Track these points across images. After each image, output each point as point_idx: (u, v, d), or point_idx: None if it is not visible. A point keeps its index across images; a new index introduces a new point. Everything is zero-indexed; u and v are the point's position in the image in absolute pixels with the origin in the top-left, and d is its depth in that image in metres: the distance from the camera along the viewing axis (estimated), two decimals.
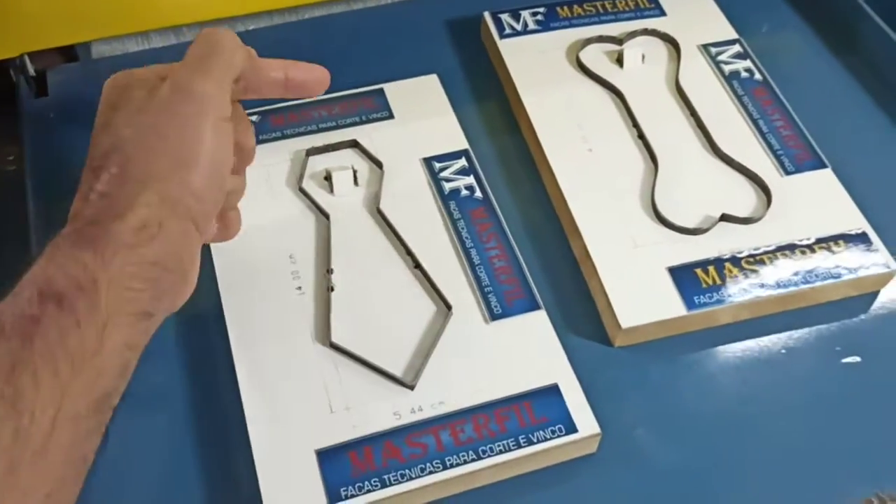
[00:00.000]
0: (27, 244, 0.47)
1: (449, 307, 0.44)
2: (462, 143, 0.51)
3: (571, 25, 0.57)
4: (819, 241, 0.47)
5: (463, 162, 0.50)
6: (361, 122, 0.52)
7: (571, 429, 0.40)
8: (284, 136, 0.51)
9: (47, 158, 0.51)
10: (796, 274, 0.46)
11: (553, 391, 0.41)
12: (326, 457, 0.39)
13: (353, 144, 0.50)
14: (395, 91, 0.53)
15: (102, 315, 0.31)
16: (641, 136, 0.52)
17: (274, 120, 0.51)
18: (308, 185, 0.49)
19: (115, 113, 0.35)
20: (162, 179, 0.34)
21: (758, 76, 0.55)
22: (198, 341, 0.44)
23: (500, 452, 0.39)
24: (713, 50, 0.56)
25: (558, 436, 0.40)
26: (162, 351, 0.43)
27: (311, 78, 0.40)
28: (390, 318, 0.44)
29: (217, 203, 0.37)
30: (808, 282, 0.46)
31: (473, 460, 0.39)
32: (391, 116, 0.52)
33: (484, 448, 0.39)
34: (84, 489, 0.32)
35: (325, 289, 0.44)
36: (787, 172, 0.50)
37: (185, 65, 0.36)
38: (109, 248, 0.32)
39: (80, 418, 0.30)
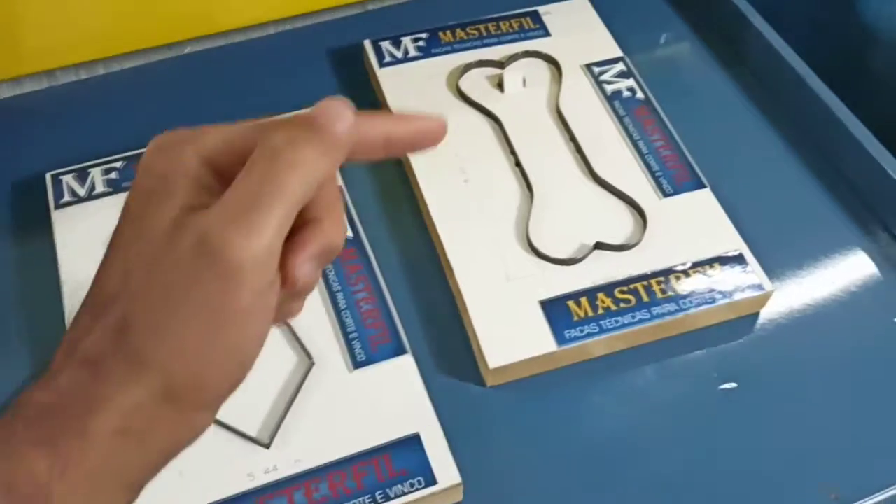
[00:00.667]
0: None
1: (310, 357, 0.42)
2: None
3: (454, 50, 0.56)
4: (695, 265, 0.46)
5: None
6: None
7: (430, 480, 0.39)
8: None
9: None
10: (671, 301, 0.45)
11: (413, 441, 0.40)
12: None
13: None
14: None
15: None
16: (518, 163, 0.51)
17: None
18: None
19: (133, 244, 0.26)
20: (162, 368, 0.25)
21: (640, 95, 0.54)
22: None
23: None
24: (596, 70, 0.55)
25: (417, 489, 0.39)
26: None
27: (426, 128, 0.28)
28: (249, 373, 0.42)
29: (237, 385, 0.27)
30: (683, 309, 0.45)
31: None
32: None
33: None
34: None
35: None
36: (666, 194, 0.49)
37: (226, 210, 0.24)
38: (74, 450, 0.24)
39: None
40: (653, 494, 0.41)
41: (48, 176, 0.49)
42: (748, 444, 0.43)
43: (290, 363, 0.43)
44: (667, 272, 0.46)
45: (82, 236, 0.47)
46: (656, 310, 0.45)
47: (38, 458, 0.24)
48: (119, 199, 0.48)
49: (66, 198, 0.48)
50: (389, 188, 0.52)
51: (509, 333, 0.44)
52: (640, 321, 0.44)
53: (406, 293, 0.47)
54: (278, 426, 0.40)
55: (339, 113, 0.26)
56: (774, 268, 0.48)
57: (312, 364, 0.42)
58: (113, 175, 0.49)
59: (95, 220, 0.47)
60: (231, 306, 0.24)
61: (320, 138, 0.25)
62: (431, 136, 0.28)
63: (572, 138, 0.52)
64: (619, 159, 0.51)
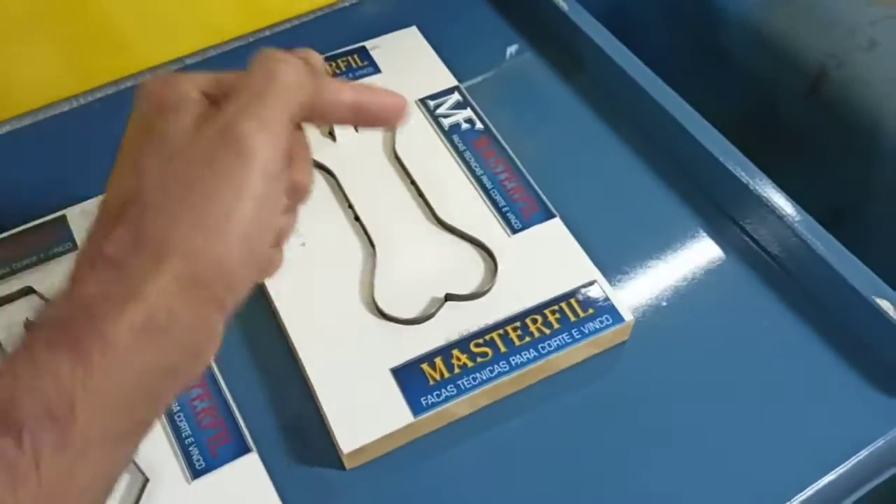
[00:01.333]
0: None
1: (143, 473, 0.38)
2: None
3: None
4: (551, 302, 0.44)
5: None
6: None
7: None
8: None
9: None
10: (530, 348, 0.43)
11: None
12: None
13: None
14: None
15: (76, 447, 0.25)
16: (357, 217, 0.47)
17: None
18: None
19: (146, 147, 0.28)
20: (184, 251, 0.26)
21: (479, 125, 0.52)
22: None
23: None
24: (431, 103, 0.53)
25: None
26: None
27: (388, 103, 0.31)
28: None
29: (251, 282, 0.29)
30: (543, 354, 0.43)
31: None
32: None
33: None
34: None
35: None
36: (515, 230, 0.47)
37: (238, 102, 0.28)
38: (96, 352, 0.25)
39: None
40: None
41: None
42: (627, 479, 0.41)
43: (121, 482, 0.38)
44: (522, 316, 0.44)
45: None
46: (515, 359, 0.42)
47: (62, 362, 0.25)
48: None
49: None
50: None
51: (361, 410, 0.41)
52: (500, 374, 0.42)
53: (248, 381, 0.43)
54: None
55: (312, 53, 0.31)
56: (634, 288, 0.47)
57: (147, 480, 0.38)
58: None
59: None
60: (247, 187, 0.27)
61: (304, 61, 0.30)
62: (394, 113, 0.32)
63: (413, 182, 0.49)
64: (463, 199, 0.48)
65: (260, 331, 0.45)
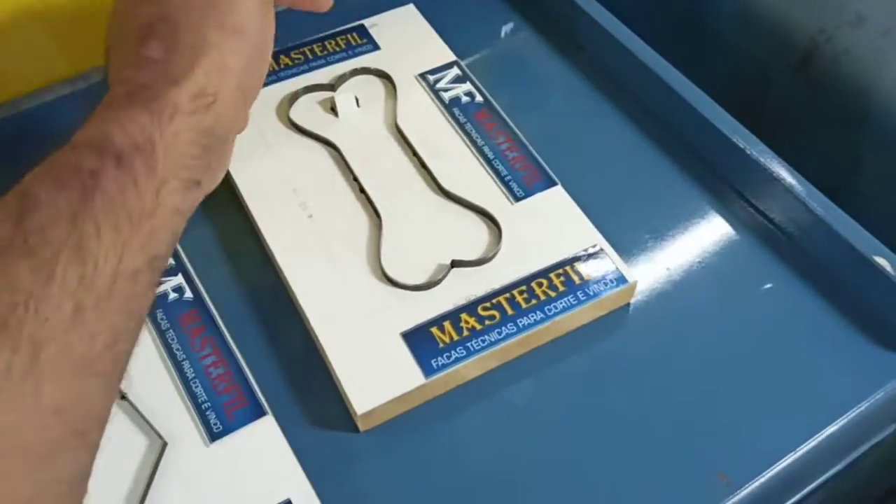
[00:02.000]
0: None
1: (161, 437, 0.39)
2: None
3: (280, 79, 0.53)
4: (556, 266, 0.45)
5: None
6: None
7: None
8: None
9: None
10: (537, 310, 0.44)
11: None
12: None
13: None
14: None
15: (158, 177, 0.31)
16: (363, 190, 0.48)
17: None
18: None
19: None
20: (216, 47, 0.34)
21: (479, 98, 0.52)
22: None
23: None
24: (430, 77, 0.53)
25: None
26: None
27: None
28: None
29: (262, 76, 0.38)
30: (549, 316, 0.43)
31: None
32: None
33: None
34: None
35: None
36: (517, 198, 0.48)
37: None
38: (167, 112, 0.32)
39: (138, 272, 0.30)
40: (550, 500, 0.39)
41: None
42: (634, 438, 0.42)
43: (141, 447, 0.39)
44: (528, 280, 0.45)
45: None
46: (523, 321, 0.43)
47: (141, 115, 0.31)
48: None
49: None
50: (230, 240, 0.48)
51: (374, 373, 0.41)
52: (508, 336, 0.43)
53: (261, 349, 0.44)
54: None
55: None
56: (637, 254, 0.48)
57: (165, 444, 0.39)
58: None
59: None
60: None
61: None
62: None
63: (415, 154, 0.50)
64: (465, 169, 0.49)
65: (270, 301, 0.46)
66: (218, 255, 0.48)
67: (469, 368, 0.42)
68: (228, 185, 0.50)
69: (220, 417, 0.40)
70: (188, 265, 0.45)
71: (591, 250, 0.46)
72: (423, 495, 0.40)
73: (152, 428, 0.39)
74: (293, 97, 0.52)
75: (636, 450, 0.41)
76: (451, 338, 0.42)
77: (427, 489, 0.40)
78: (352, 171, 0.49)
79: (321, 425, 0.42)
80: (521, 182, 0.49)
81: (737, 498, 0.40)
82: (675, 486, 0.40)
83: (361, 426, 0.41)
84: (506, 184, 0.48)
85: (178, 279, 0.44)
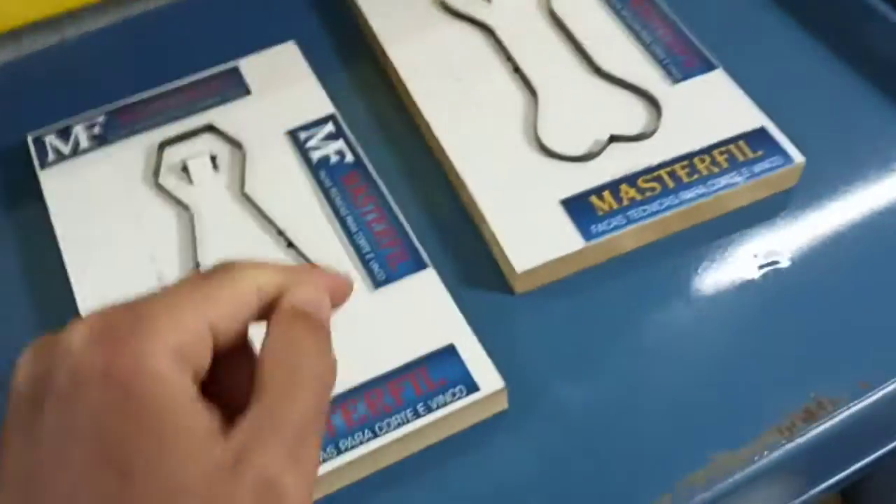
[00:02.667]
0: None
1: None
2: (327, 108, 0.47)
3: None
4: (718, 145, 0.44)
5: (330, 127, 0.46)
6: (216, 104, 0.48)
7: (473, 387, 0.37)
8: (136, 132, 0.47)
9: None
10: (698, 184, 0.43)
11: (449, 352, 0.38)
12: None
13: (209, 129, 0.46)
14: (250, 65, 0.49)
15: None
16: (517, 69, 0.48)
17: (123, 118, 0.47)
18: (166, 179, 0.45)
19: (33, 420, 0.20)
20: None
21: None
22: None
23: (399, 425, 0.36)
24: None
25: (460, 397, 0.36)
26: None
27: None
28: None
29: None
30: (711, 191, 0.42)
31: (370, 439, 0.35)
32: (248, 93, 0.48)
33: (381, 424, 0.36)
34: None
35: None
36: (676, 80, 0.47)
37: (282, 446, 0.21)
38: None
39: None
40: (698, 386, 0.39)
41: (30, 138, 0.47)
42: (797, 321, 0.40)
43: None
44: (689, 156, 0.44)
45: (72, 193, 0.44)
46: (684, 194, 0.42)
47: None
48: (105, 152, 0.46)
49: (52, 157, 0.46)
50: (384, 109, 0.49)
51: (533, 236, 0.41)
52: (669, 207, 0.42)
53: (417, 211, 0.45)
54: None
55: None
56: (801, 142, 0.46)
57: None
58: (96, 130, 0.47)
59: (83, 175, 0.45)
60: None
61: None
62: (340, 292, 0.27)
63: (570, 37, 0.49)
64: (621, 52, 0.48)
65: (424, 170, 0.46)
66: (373, 127, 0.49)
67: (627, 238, 0.42)
68: (380, 66, 0.51)
69: (383, 267, 0.41)
70: (347, 132, 0.46)
71: (755, 131, 0.44)
72: (580, 354, 0.40)
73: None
74: None
75: (795, 333, 0.40)
76: (611, 206, 0.42)
77: (584, 349, 0.40)
78: (506, 51, 0.49)
79: (477, 286, 0.42)
80: (680, 65, 0.48)
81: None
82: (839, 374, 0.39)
83: (518, 287, 0.41)
84: (664, 67, 0.48)
85: (340, 144, 0.45)
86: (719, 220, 0.44)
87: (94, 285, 0.41)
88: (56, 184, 0.45)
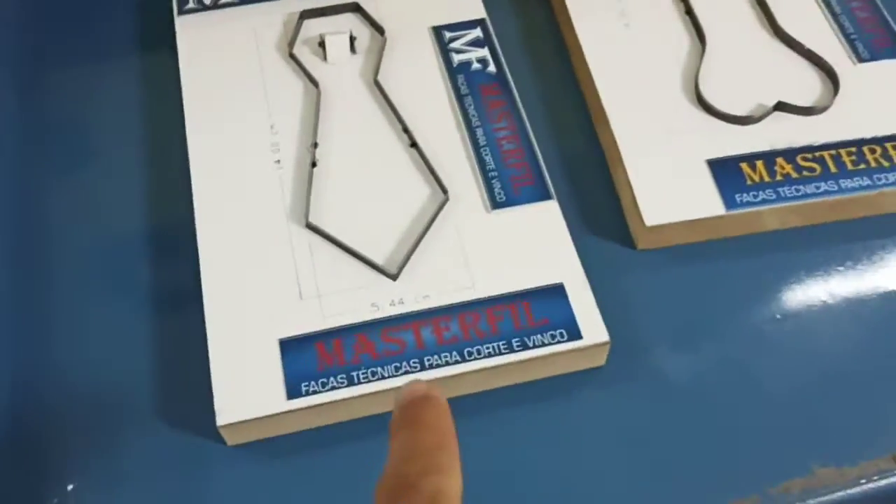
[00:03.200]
0: None
1: (445, 192, 0.38)
2: (479, 12, 0.44)
3: None
4: (891, 138, 0.40)
5: (478, 32, 0.43)
6: None
7: (575, 334, 0.34)
8: None
9: None
10: (862, 175, 0.39)
11: (557, 291, 0.35)
12: (289, 347, 0.34)
13: (355, 8, 0.44)
14: None
15: None
16: (689, 11, 0.44)
17: None
18: (300, 50, 0.43)
19: None
20: None
21: None
22: (162, 210, 0.40)
23: (489, 355, 0.34)
24: None
25: (559, 341, 0.34)
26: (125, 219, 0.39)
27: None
28: (378, 200, 0.38)
29: None
30: (878, 185, 0.38)
31: (456, 362, 0.33)
32: None
33: (470, 349, 0.34)
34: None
35: (308, 164, 0.39)
36: (861, 59, 0.42)
37: None
38: None
39: None
40: (833, 382, 0.35)
41: None
42: None
43: (422, 195, 0.38)
44: (859, 143, 0.40)
45: (204, 46, 0.43)
46: (846, 183, 0.38)
47: None
48: (244, 11, 0.44)
49: (191, 4, 0.44)
50: (535, 23, 0.46)
51: (670, 191, 0.38)
52: (826, 193, 0.38)
53: (550, 138, 0.42)
54: (407, 258, 0.36)
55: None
56: None
57: (447, 199, 0.38)
58: None
59: (218, 30, 0.43)
60: None
61: None
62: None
63: None
64: (806, 15, 0.44)
65: (565, 99, 0.43)
66: (521, 42, 0.45)
67: (771, 216, 0.38)
68: None
69: (504, 188, 0.38)
70: (494, 41, 0.43)
71: None
72: (690, 330, 0.37)
73: (437, 180, 0.38)
74: None
75: None
76: (762, 178, 0.38)
77: (696, 322, 0.37)
78: None
79: (597, 232, 0.39)
80: (868, 44, 0.43)
81: None
82: None
83: (641, 242, 0.39)
84: (850, 41, 0.43)
85: (484, 52, 0.42)
86: (876, 219, 0.40)
87: (208, 143, 0.39)
88: (190, 33, 0.43)
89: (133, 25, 0.46)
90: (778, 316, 0.37)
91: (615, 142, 0.40)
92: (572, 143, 0.42)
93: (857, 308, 0.38)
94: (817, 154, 0.39)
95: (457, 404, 0.34)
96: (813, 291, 0.38)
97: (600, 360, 0.35)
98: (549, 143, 0.41)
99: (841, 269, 0.39)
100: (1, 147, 0.42)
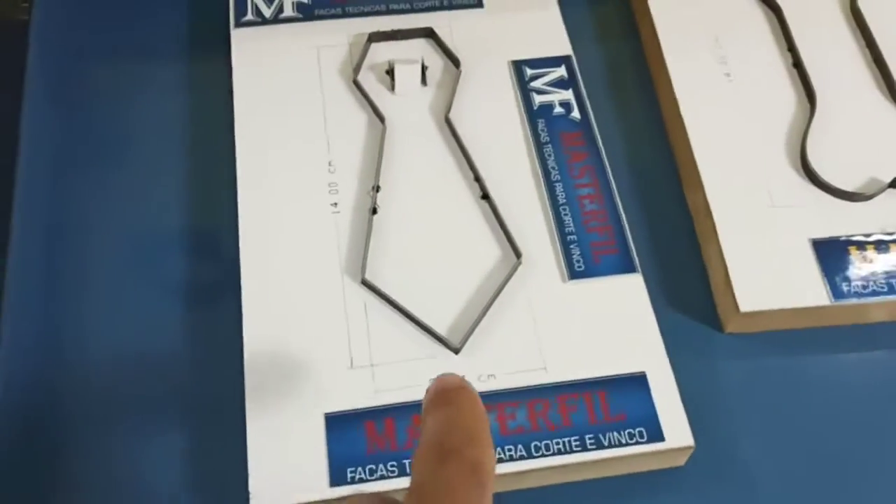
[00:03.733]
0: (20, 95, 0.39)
1: (518, 255, 0.34)
2: (564, 48, 0.40)
3: None
4: None
5: (562, 71, 0.39)
6: (442, 8, 0.41)
7: (656, 435, 0.30)
8: (346, 15, 0.41)
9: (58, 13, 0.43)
10: None
11: (638, 382, 0.31)
12: (336, 424, 0.30)
13: (428, 34, 0.40)
14: None
15: None
16: (798, 63, 0.40)
17: None
18: (365, 77, 0.39)
19: None
20: None
21: None
22: (205, 251, 0.36)
23: (559, 453, 0.30)
24: None
25: (638, 442, 0.30)
26: (164, 262, 0.36)
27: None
28: (442, 257, 0.34)
29: None
30: None
31: (522, 458, 0.30)
32: (480, 5, 0.41)
33: (538, 443, 0.30)
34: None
35: (368, 210, 0.35)
36: None
37: None
38: None
39: None
40: None
41: None
42: None
43: (493, 256, 0.34)
44: None
45: (260, 63, 0.39)
46: None
47: None
48: (306, 28, 0.40)
49: (249, 16, 0.41)
50: (625, 69, 0.42)
51: (769, 273, 0.34)
52: None
53: (635, 201, 0.38)
54: (472, 330, 0.32)
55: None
56: None
57: (519, 263, 0.34)
58: None
59: (275, 45, 0.40)
60: None
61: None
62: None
63: (870, 44, 0.40)
64: None
65: (655, 156, 0.39)
66: (609, 87, 0.41)
67: (880, 309, 0.34)
68: (632, 13, 0.44)
69: (584, 255, 0.34)
70: (580, 83, 0.39)
71: None
72: (781, 424, 0.33)
73: (510, 240, 0.34)
74: None
75: None
76: (871, 266, 0.34)
77: (786, 419, 0.33)
78: (789, 39, 0.40)
79: (678, 310, 0.35)
80: None
81: None
82: None
83: (729, 326, 0.35)
84: None
85: (568, 94, 0.38)
86: None
87: (259, 176, 0.36)
88: (247, 48, 0.40)
89: (187, 32, 0.43)
90: (880, 416, 0.33)
91: (709, 211, 0.36)
92: (657, 206, 0.38)
93: None
94: None
95: (518, 497, 0.31)
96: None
97: (679, 461, 0.31)
98: (632, 204, 0.37)
99: None
100: (46, 145, 0.39)
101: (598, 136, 0.37)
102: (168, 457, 0.31)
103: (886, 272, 0.34)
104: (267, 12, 0.41)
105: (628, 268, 0.34)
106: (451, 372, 0.24)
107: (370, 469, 0.29)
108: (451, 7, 0.41)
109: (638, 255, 0.35)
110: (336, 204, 0.35)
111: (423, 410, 0.23)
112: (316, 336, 0.32)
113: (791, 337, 0.35)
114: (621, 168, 0.38)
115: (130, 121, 0.40)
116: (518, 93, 0.39)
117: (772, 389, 0.34)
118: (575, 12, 0.43)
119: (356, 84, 0.39)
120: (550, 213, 0.35)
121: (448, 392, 0.23)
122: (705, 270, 0.36)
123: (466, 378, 0.31)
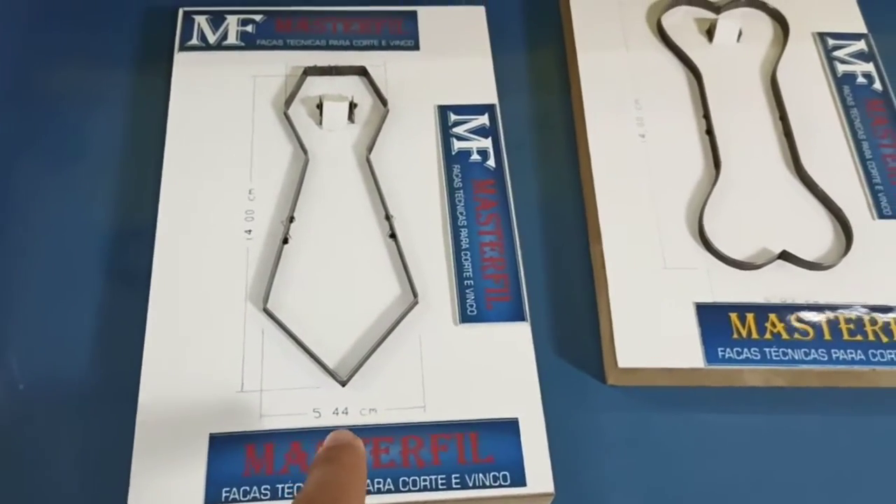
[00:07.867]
0: None
1: (415, 294, 0.36)
2: (490, 97, 0.42)
3: None
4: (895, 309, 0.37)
5: (484, 119, 0.41)
6: (380, 48, 0.43)
7: (519, 480, 0.32)
8: (286, 47, 0.43)
9: None
10: (856, 349, 0.36)
11: (510, 428, 0.33)
12: (219, 444, 0.32)
13: (362, 72, 0.42)
14: (429, 17, 0.44)
15: None
16: (710, 130, 0.42)
17: (279, 24, 0.43)
18: (296, 110, 0.41)
19: None
20: None
21: (877, 86, 0.44)
22: (120, 251, 0.38)
23: (424, 489, 0.32)
24: (830, 42, 0.45)
25: (501, 485, 0.32)
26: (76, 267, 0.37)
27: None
28: (344, 292, 0.36)
29: None
30: (871, 362, 0.36)
31: (389, 491, 0.32)
32: (416, 47, 0.43)
33: (405, 479, 0.32)
34: None
35: (279, 239, 0.37)
36: (883, 216, 0.40)
37: None
38: None
39: None
40: None
41: (181, 11, 0.44)
42: None
43: (391, 294, 0.36)
44: (863, 310, 0.37)
45: (198, 86, 0.41)
46: (838, 353, 0.36)
47: None
48: (246, 57, 0.42)
49: (194, 41, 0.42)
50: (553, 121, 0.44)
51: (650, 332, 0.36)
52: (815, 361, 0.36)
53: (538, 246, 0.40)
54: (361, 364, 0.34)
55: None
56: None
57: (415, 303, 0.36)
58: (248, 28, 0.43)
59: (215, 71, 0.42)
60: None
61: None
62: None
63: (783, 117, 0.42)
64: (833, 158, 0.41)
65: (564, 207, 0.41)
66: (526, 133, 0.43)
67: (754, 376, 0.36)
68: (565, 68, 0.45)
69: (477, 300, 0.36)
70: (500, 132, 0.41)
71: None
72: (651, 480, 0.35)
73: (409, 280, 0.36)
74: (673, 3, 0.45)
75: None
76: (750, 333, 0.36)
77: (657, 476, 0.35)
78: (705, 106, 0.42)
79: (564, 357, 0.37)
80: (894, 198, 0.40)
81: None
82: None
83: (610, 379, 0.36)
84: (874, 193, 0.40)
85: (487, 143, 0.40)
86: (867, 392, 0.37)
87: (181, 195, 0.38)
88: (187, 71, 0.42)
89: (138, 50, 0.44)
90: (755, 478, 0.35)
91: (604, 265, 0.38)
92: (563, 256, 0.40)
93: (828, 481, 0.35)
94: (815, 318, 0.37)
95: None
96: (789, 457, 0.36)
97: None
98: (537, 252, 0.39)
99: (821, 438, 0.36)
100: None
101: (510, 186, 0.39)
102: (55, 473, 0.33)
103: (761, 341, 0.36)
104: (211, 38, 0.43)
105: (518, 316, 0.36)
106: (344, 429, 0.27)
107: (244, 490, 0.31)
108: (388, 48, 0.43)
109: (537, 304, 0.37)
110: (250, 231, 0.37)
111: (311, 464, 0.25)
112: (212, 359, 0.34)
113: (669, 394, 0.37)
114: (533, 217, 0.40)
115: (68, 131, 0.42)
116: (440, 137, 0.40)
117: (643, 444, 0.36)
118: (513, 61, 0.45)
119: (286, 116, 0.40)
120: (452, 256, 0.37)
121: (335, 449, 0.25)
122: (597, 322, 0.38)
123: (349, 411, 0.33)
